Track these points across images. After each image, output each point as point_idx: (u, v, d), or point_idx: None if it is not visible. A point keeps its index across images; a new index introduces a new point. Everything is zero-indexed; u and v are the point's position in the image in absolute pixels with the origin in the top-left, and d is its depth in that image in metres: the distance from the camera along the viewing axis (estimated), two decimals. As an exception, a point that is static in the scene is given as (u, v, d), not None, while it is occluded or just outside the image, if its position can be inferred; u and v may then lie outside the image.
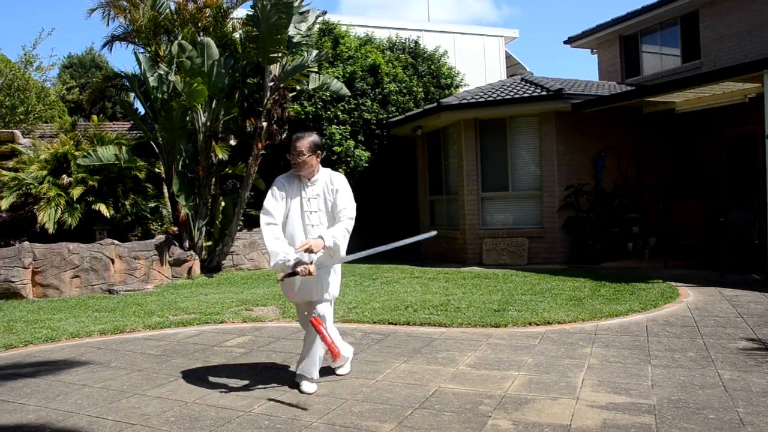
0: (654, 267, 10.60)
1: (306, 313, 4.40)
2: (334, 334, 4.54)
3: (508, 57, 24.08)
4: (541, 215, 11.98)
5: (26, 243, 10.15)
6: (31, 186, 12.09)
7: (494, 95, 12.21)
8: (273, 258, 4.16)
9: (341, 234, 4.28)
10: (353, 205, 4.50)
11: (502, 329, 6.12)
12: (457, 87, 16.35)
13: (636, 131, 12.52)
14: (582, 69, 54.71)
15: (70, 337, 6.43)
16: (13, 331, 6.76)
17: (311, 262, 4.14)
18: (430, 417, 3.69)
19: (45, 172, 12.36)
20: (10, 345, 6.04)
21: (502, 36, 23.75)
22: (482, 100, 12.03)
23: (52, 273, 9.76)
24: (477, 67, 21.66)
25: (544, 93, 11.75)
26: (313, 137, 4.42)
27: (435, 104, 12.63)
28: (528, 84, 12.87)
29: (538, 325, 6.22)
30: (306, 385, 4.29)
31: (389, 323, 6.52)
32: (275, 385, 4.44)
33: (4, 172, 12.40)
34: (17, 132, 13.88)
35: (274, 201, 4.36)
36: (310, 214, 4.40)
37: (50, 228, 11.36)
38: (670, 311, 6.71)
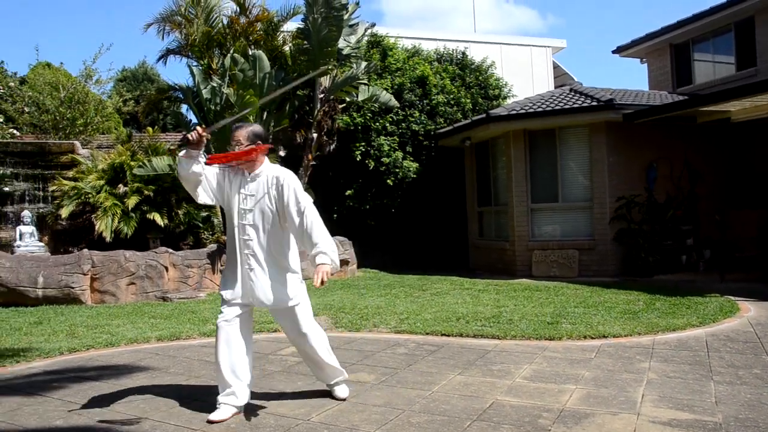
0: (710, 280, 10.36)
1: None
2: (326, 347, 4.29)
3: (555, 67, 23.90)
4: (592, 227, 11.83)
5: (85, 250, 10.46)
6: (89, 195, 12.46)
7: (543, 106, 12.14)
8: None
9: (325, 241, 3.96)
10: (307, 196, 4.09)
11: (556, 342, 6.06)
12: (505, 98, 16.30)
13: (689, 141, 12.27)
14: (631, 78, 53.91)
15: (129, 342, 6.58)
16: (75, 336, 6.97)
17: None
18: (489, 429, 3.68)
19: (102, 182, 12.73)
20: (73, 348, 6.22)
21: (549, 46, 23.60)
22: (531, 110, 11.97)
23: (110, 280, 10.03)
24: (524, 78, 21.54)
25: (594, 103, 11.62)
26: (252, 127, 4.19)
27: (484, 115, 12.62)
28: (577, 94, 12.75)
29: (593, 338, 6.14)
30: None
31: (442, 334, 6.51)
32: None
33: (64, 182, 12.82)
34: (77, 143, 14.34)
35: (213, 168, 4.17)
36: (245, 213, 4.09)
37: (107, 236, 11.69)
38: (730, 326, 6.54)
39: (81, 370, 5.44)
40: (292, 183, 4.09)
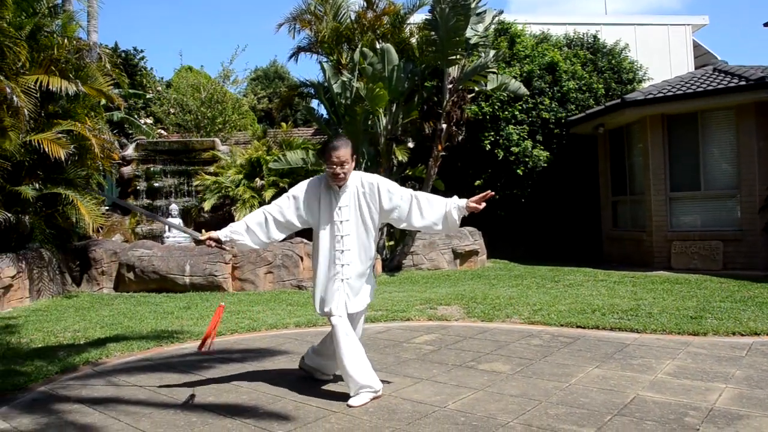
0: None
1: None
2: (361, 354, 4.18)
3: (696, 46, 22.47)
4: (739, 217, 11.07)
5: (227, 241, 11.07)
6: (229, 189, 13.21)
7: (683, 88, 11.46)
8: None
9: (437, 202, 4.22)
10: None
11: (701, 337, 5.74)
12: (640, 81, 15.55)
13: None
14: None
15: (269, 327, 6.90)
16: (228, 321, 7.41)
17: None
18: (630, 425, 3.55)
19: (240, 176, 13.45)
20: (219, 333, 6.60)
21: (688, 24, 22.21)
22: (670, 94, 11.34)
23: (249, 269, 10.55)
24: (661, 60, 20.44)
25: (742, 83, 10.83)
26: (350, 141, 4.19)
27: (618, 100, 12.12)
28: (722, 74, 11.92)
29: (743, 335, 5.75)
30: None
31: (577, 326, 6.35)
32: (468, 383, 4.49)
33: (206, 177, 13.66)
34: (217, 140, 15.22)
35: (287, 201, 4.23)
36: (341, 224, 4.16)
37: (245, 228, 12.32)
38: None
39: (227, 352, 5.78)
40: (384, 182, 4.26)
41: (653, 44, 20.98)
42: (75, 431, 3.70)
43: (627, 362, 4.92)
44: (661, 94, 11.43)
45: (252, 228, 4.19)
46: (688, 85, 11.68)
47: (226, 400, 4.24)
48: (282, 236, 4.30)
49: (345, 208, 4.17)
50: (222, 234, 4.14)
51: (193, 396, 4.32)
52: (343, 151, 4.07)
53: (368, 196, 4.21)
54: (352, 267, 4.17)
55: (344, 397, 4.17)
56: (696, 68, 18.57)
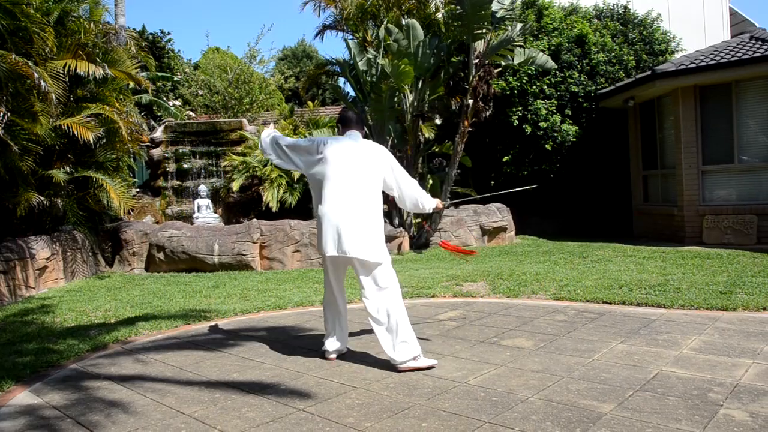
0: None
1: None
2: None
3: (732, 14, 21.78)
4: (775, 189, 10.79)
5: (254, 220, 11.18)
6: (257, 169, 13.29)
7: (717, 58, 11.15)
8: None
9: None
10: None
11: (730, 313, 5.64)
12: (673, 53, 15.20)
13: None
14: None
15: (295, 305, 6.97)
16: (247, 299, 7.51)
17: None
18: (652, 400, 3.52)
19: (268, 156, 13.50)
20: (246, 310, 6.72)
21: (725, -9, 21.51)
22: (703, 64, 11.04)
23: (277, 247, 10.64)
24: (695, 29, 19.86)
25: (779, 51, 10.49)
26: None
27: (649, 72, 11.86)
28: (759, 42, 11.56)
29: (774, 310, 5.65)
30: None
31: (603, 302, 6.30)
32: (490, 359, 4.49)
33: (234, 157, 13.75)
34: (244, 120, 15.29)
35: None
36: None
37: (274, 207, 12.42)
38: None
39: (253, 329, 5.86)
40: None
41: (687, 13, 20.39)
42: (103, 406, 3.79)
43: (652, 338, 4.87)
44: (693, 65, 11.15)
45: None
46: (722, 54, 11.37)
47: (249, 377, 4.30)
48: None
49: None
50: None
51: None
52: None
53: None
54: None
55: (366, 373, 4.21)
56: (732, 37, 18.04)
